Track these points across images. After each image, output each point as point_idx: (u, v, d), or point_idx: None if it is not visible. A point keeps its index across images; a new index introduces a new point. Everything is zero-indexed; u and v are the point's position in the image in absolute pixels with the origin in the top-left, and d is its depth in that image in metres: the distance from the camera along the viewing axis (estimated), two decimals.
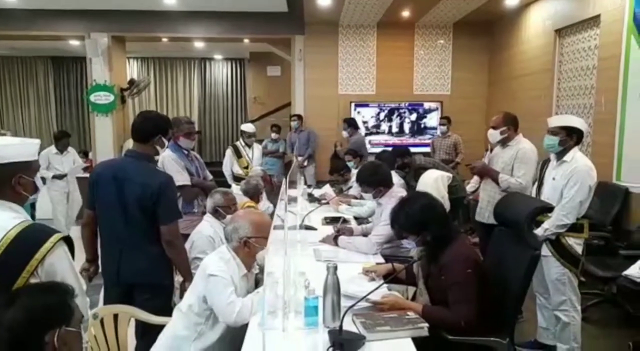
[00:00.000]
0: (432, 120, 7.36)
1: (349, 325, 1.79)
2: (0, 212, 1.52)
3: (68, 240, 1.56)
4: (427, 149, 6.98)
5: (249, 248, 2.10)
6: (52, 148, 5.87)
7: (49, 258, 1.47)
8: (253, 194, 4.09)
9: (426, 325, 1.79)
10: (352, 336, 1.71)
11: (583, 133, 2.75)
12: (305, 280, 2.00)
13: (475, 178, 5.78)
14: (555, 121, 2.81)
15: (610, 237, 3.88)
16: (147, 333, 2.39)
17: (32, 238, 1.48)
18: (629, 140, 4.18)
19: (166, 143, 2.68)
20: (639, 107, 4.05)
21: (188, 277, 2.58)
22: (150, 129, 2.52)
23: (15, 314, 1.18)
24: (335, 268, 1.86)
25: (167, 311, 2.57)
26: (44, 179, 5.65)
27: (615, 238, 3.92)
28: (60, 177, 5.75)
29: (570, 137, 2.72)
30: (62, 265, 1.51)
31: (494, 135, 3.36)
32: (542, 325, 3.06)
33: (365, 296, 1.80)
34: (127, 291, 2.48)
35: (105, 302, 2.49)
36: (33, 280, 1.46)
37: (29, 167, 1.57)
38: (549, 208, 2.15)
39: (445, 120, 6.65)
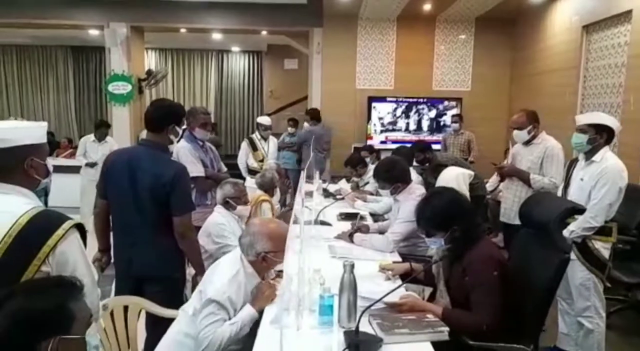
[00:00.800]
0: (451, 116, 7.20)
1: (365, 325, 1.72)
2: (11, 197, 1.47)
3: (80, 228, 1.51)
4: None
5: (266, 263, 2.01)
6: (91, 136, 5.99)
7: (60, 246, 1.42)
8: (268, 188, 4.04)
9: (447, 328, 1.71)
10: (369, 337, 1.64)
11: (614, 132, 2.62)
12: (320, 278, 1.94)
13: (494, 177, 5.67)
14: (584, 118, 2.68)
15: (636, 241, 3.73)
16: (158, 326, 2.35)
17: (43, 225, 1.42)
18: None
19: (180, 132, 2.63)
20: None
21: (200, 270, 2.53)
22: (164, 118, 2.46)
23: (2, 320, 1.05)
24: (352, 266, 1.79)
25: (178, 304, 2.53)
26: (78, 167, 5.72)
27: None
28: (92, 165, 5.81)
29: (600, 135, 2.59)
30: (74, 253, 1.46)
31: (520, 135, 3.25)
32: (563, 331, 2.95)
33: (383, 297, 1.72)
34: (138, 284, 2.44)
35: (117, 294, 2.46)
36: (44, 269, 1.41)
37: (40, 150, 1.53)
38: (579, 210, 2.04)
39: (458, 117, 6.51)
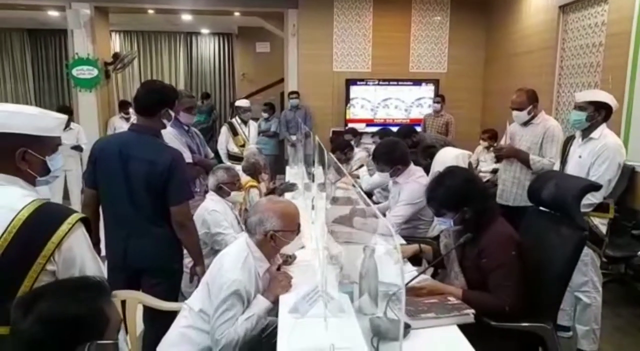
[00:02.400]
0: (428, 99, 7.21)
1: (389, 312, 1.67)
2: (6, 188, 1.32)
3: (86, 221, 1.38)
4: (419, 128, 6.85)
5: (275, 243, 1.92)
6: None
7: (66, 242, 1.29)
8: (253, 172, 3.93)
9: (472, 311, 1.69)
10: (397, 323, 1.58)
11: (612, 110, 2.64)
12: (339, 265, 1.87)
13: (474, 157, 5.72)
14: (583, 96, 2.69)
15: (618, 216, 3.85)
16: (157, 319, 2.24)
17: (47, 220, 1.29)
18: (637, 118, 4.12)
19: (172, 116, 2.48)
20: None
21: (199, 260, 2.43)
22: (157, 101, 2.31)
23: (33, 326, 0.96)
24: (373, 251, 1.73)
25: (176, 296, 2.42)
26: None
27: (622, 217, 3.89)
28: None
29: (599, 112, 2.61)
30: (82, 249, 1.34)
31: (520, 116, 3.22)
32: None
33: (411, 281, 1.68)
34: (134, 276, 2.32)
35: (110, 287, 2.32)
36: (50, 267, 1.28)
37: (40, 143, 1.36)
38: (597, 186, 2.05)
39: (440, 98, 6.53)
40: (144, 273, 2.31)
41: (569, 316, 2.96)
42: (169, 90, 2.44)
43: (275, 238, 1.91)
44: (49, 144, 1.39)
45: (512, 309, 1.76)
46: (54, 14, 7.71)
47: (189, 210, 2.33)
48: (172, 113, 2.44)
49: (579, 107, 2.65)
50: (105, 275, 1.72)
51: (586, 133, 2.67)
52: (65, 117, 1.43)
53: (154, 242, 2.27)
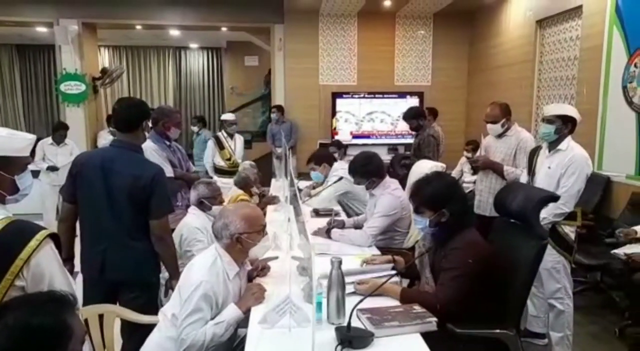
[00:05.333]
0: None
1: (354, 321, 1.72)
2: None
3: (55, 237, 1.43)
4: (410, 140, 6.94)
5: (241, 245, 1.97)
6: (48, 140, 5.73)
7: (35, 258, 1.33)
8: (244, 185, 4.00)
9: (434, 319, 1.74)
10: (361, 333, 1.64)
11: (576, 122, 2.75)
12: (308, 275, 1.92)
13: (457, 168, 5.83)
14: (552, 109, 2.79)
15: (594, 225, 3.94)
16: (135, 333, 2.27)
17: (15, 236, 1.34)
18: (610, 129, 4.24)
19: (149, 126, 2.57)
20: (620, 98, 4.10)
21: (175, 274, 2.47)
22: (138, 115, 2.38)
23: None
24: (340, 262, 1.78)
25: (154, 309, 2.45)
26: (37, 172, 5.43)
27: (597, 226, 3.98)
28: (53, 169, 5.56)
29: (566, 125, 2.71)
30: (50, 265, 1.38)
31: (495, 129, 3.35)
32: (532, 313, 3.08)
33: (375, 290, 1.73)
34: (112, 289, 2.35)
35: (87, 301, 2.35)
36: (18, 283, 1.32)
37: (8, 163, 1.41)
38: (555, 198, 2.13)
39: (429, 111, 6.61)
40: (121, 286, 2.34)
41: (543, 323, 3.02)
42: (145, 105, 2.52)
43: (241, 241, 1.96)
44: (18, 164, 1.44)
45: (443, 308, 1.82)
46: (42, 30, 7.77)
47: (168, 224, 2.38)
48: (149, 124, 2.52)
49: (548, 120, 2.74)
50: (78, 290, 1.75)
51: (553, 145, 2.76)
52: (33, 137, 1.49)
53: (133, 256, 2.31)
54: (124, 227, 2.27)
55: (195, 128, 6.85)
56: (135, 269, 2.32)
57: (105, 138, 6.63)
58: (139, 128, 2.36)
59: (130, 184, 2.21)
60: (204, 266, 1.90)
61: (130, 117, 2.35)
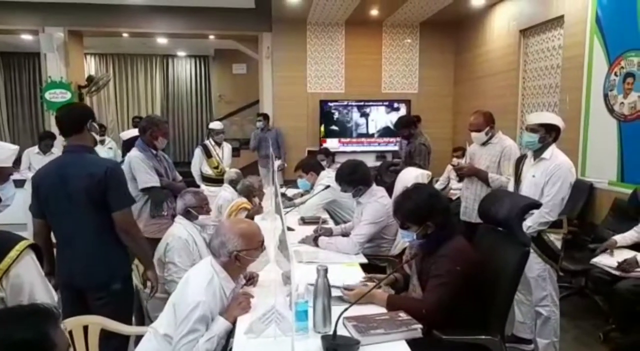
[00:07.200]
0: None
1: (341, 329, 1.72)
2: None
3: (35, 248, 1.41)
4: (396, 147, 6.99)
5: (240, 262, 1.95)
6: (34, 148, 5.64)
7: (14, 269, 1.32)
8: (247, 194, 4.01)
9: (419, 326, 1.75)
10: (347, 340, 1.64)
11: (560, 130, 2.78)
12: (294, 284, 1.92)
13: (445, 175, 5.87)
14: (535, 118, 2.82)
15: (577, 231, 3.99)
16: (111, 339, 2.22)
17: None
18: (593, 136, 4.32)
19: (97, 127, 2.57)
20: (601, 105, 4.19)
21: (149, 266, 2.50)
22: (79, 118, 2.34)
23: None
24: (326, 270, 1.79)
25: (127, 315, 2.40)
26: (23, 181, 5.33)
27: (581, 232, 4.04)
28: None
29: (549, 134, 2.74)
30: (30, 275, 1.36)
31: (479, 137, 3.39)
32: (519, 320, 3.10)
33: (359, 300, 1.74)
34: (80, 295, 2.33)
35: (63, 312, 2.32)
36: None
37: None
38: (537, 205, 2.16)
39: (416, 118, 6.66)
40: (89, 292, 2.32)
41: (531, 329, 3.04)
42: (87, 107, 2.57)
43: (239, 258, 1.94)
44: (0, 174, 1.42)
45: (428, 314, 1.83)
46: (27, 37, 7.72)
47: (131, 216, 2.38)
48: (96, 125, 2.51)
49: (531, 129, 2.77)
50: (55, 301, 1.72)
51: (537, 153, 2.79)
52: (16, 147, 1.47)
53: (98, 261, 2.30)
54: (88, 230, 2.26)
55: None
56: (100, 274, 2.30)
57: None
58: (84, 129, 2.34)
59: (87, 183, 2.21)
60: (200, 285, 1.87)
61: (71, 119, 2.33)
